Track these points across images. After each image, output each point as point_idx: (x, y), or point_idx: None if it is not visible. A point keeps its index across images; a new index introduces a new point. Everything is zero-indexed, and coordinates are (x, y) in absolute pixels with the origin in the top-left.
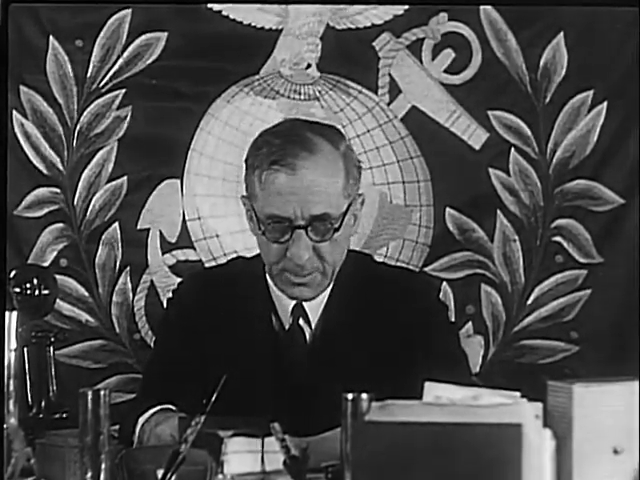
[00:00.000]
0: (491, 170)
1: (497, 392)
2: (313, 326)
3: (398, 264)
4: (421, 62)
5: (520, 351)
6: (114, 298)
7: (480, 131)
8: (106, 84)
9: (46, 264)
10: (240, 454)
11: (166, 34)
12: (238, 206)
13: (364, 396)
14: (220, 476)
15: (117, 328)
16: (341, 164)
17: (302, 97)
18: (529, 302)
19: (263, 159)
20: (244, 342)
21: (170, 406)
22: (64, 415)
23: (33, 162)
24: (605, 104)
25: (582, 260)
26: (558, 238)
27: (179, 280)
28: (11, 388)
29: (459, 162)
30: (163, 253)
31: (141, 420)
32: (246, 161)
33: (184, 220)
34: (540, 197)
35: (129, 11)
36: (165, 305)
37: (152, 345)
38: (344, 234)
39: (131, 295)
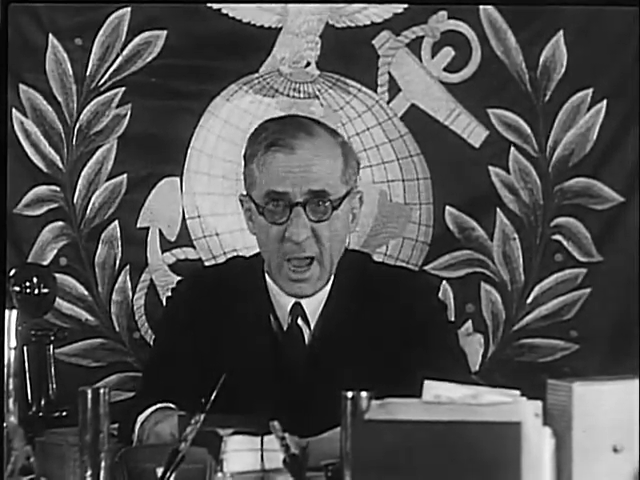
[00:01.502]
0: (491, 168)
1: (497, 390)
2: (312, 326)
3: (397, 263)
4: (421, 60)
5: (520, 350)
6: (114, 297)
7: (480, 129)
8: (105, 82)
9: (46, 263)
10: (240, 452)
11: (165, 32)
12: (238, 204)
13: (364, 395)
14: (220, 474)
15: (117, 327)
16: (339, 152)
17: (301, 95)
18: (529, 301)
19: (261, 143)
20: (243, 341)
21: (170, 404)
22: (64, 413)
23: (33, 160)
24: (605, 102)
25: (582, 259)
26: (558, 236)
27: (178, 279)
28: (11, 386)
29: (459, 160)
30: (163, 252)
31: (140, 418)
32: (245, 155)
33: (184, 218)
34: (540, 195)
35: (128, 9)
36: (164, 304)
37: (151, 344)
38: (342, 224)
39: (131, 294)
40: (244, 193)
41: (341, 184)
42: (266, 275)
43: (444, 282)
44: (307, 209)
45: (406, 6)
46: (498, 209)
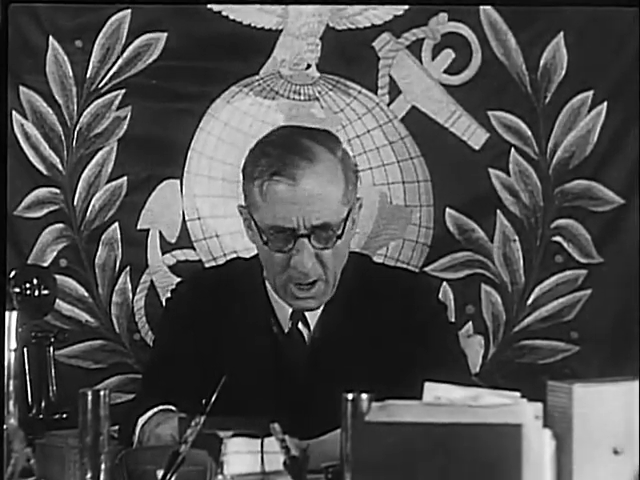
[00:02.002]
0: (491, 170)
1: (497, 392)
2: (312, 327)
3: (397, 265)
4: (421, 62)
5: (520, 351)
6: (114, 298)
7: (480, 131)
8: (106, 84)
9: (46, 264)
10: (240, 454)
11: (166, 34)
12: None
13: (364, 396)
14: (220, 476)
15: (117, 328)
16: (340, 171)
17: (302, 97)
18: (529, 302)
19: (263, 170)
20: (243, 342)
21: (170, 406)
22: (64, 415)
23: (33, 162)
24: (605, 104)
25: (582, 260)
26: (558, 238)
27: (178, 280)
28: (11, 388)
29: (459, 162)
30: (163, 253)
31: (141, 420)
32: (244, 171)
33: (184, 220)
34: (540, 197)
35: (129, 11)
36: (164, 305)
37: (152, 345)
38: (345, 240)
39: (131, 295)
40: (243, 204)
41: (342, 206)
42: (265, 280)
43: (444, 283)
44: (311, 239)
45: (406, 8)
46: (498, 211)
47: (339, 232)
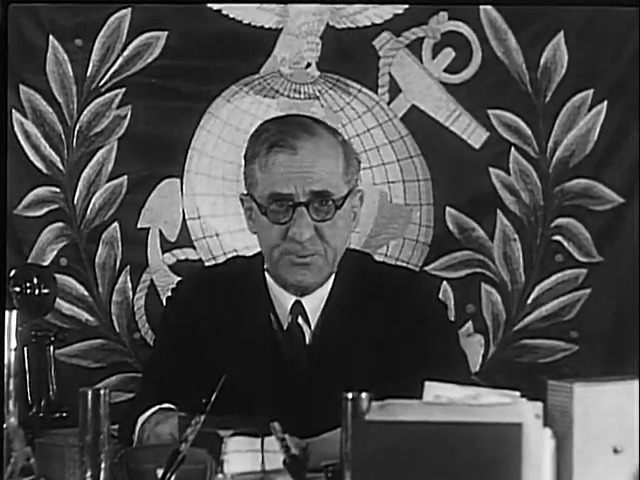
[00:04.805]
0: (491, 169)
1: (497, 391)
2: (312, 325)
3: (398, 263)
4: (421, 61)
5: (520, 350)
6: (114, 297)
7: (480, 130)
8: (106, 83)
9: (46, 263)
10: (240, 453)
11: (166, 33)
12: (238, 205)
13: (364, 395)
14: (220, 475)
15: (117, 327)
16: (340, 150)
17: (302, 96)
18: (529, 301)
19: (263, 144)
20: (243, 341)
21: (170, 405)
22: (64, 414)
23: (33, 161)
24: (605, 103)
25: (582, 259)
26: (558, 237)
27: (178, 279)
28: (11, 387)
29: (459, 161)
30: (163, 252)
31: (141, 419)
32: (245, 155)
33: (184, 219)
34: (540, 196)
35: (129, 10)
36: (164, 304)
37: (152, 344)
38: (345, 223)
39: (131, 294)
40: (245, 192)
41: (343, 183)
42: (266, 274)
43: (444, 283)
44: (310, 209)
45: (406, 7)
46: (498, 210)
47: (339, 203)
